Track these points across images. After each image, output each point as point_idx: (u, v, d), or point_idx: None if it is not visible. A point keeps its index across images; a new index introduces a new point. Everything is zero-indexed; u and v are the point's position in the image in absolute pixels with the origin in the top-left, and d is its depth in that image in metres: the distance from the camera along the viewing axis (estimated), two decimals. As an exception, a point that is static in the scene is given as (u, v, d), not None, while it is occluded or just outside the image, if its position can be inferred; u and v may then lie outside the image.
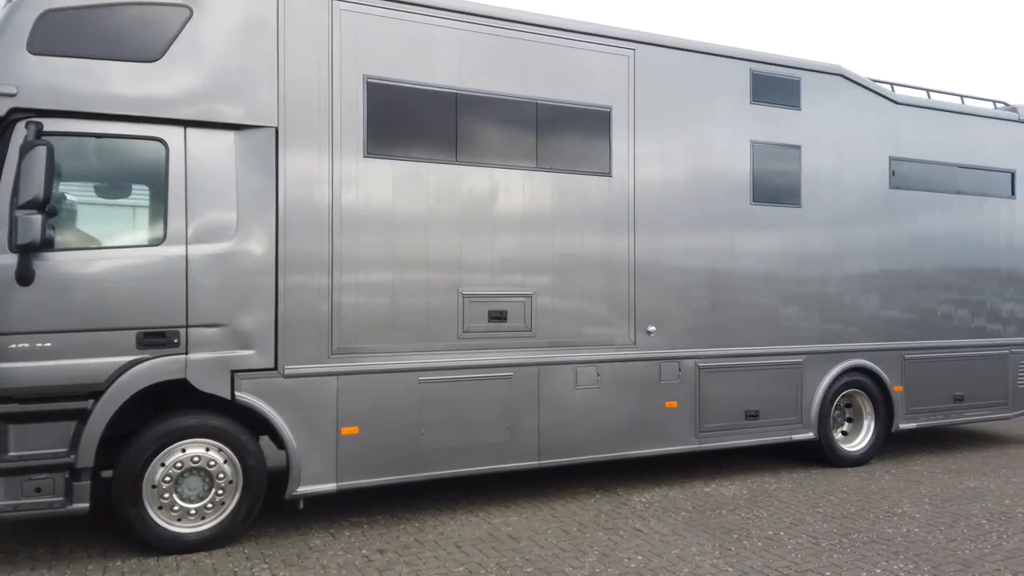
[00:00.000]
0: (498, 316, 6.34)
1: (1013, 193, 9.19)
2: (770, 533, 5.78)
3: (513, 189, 6.41)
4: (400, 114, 6.01)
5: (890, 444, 8.99)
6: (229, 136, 5.47)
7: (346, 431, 5.77)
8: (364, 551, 5.35)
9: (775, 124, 7.65)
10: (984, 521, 6.10)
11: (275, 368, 5.54)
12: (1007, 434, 10.06)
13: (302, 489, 5.63)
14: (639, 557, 5.24)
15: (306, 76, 5.68)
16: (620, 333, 6.84)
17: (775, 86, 7.66)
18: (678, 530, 5.82)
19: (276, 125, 5.58)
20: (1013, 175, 9.19)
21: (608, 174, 6.80)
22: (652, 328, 6.97)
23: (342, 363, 5.75)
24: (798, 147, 7.76)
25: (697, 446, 7.21)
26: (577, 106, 6.68)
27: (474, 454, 6.22)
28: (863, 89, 8.18)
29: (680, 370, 7.12)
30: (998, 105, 9.38)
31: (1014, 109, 9.33)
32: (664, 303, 7.05)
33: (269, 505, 5.73)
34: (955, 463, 8.24)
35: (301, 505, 5.72)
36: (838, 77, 8.03)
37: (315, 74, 5.71)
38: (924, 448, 9.02)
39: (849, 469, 7.89)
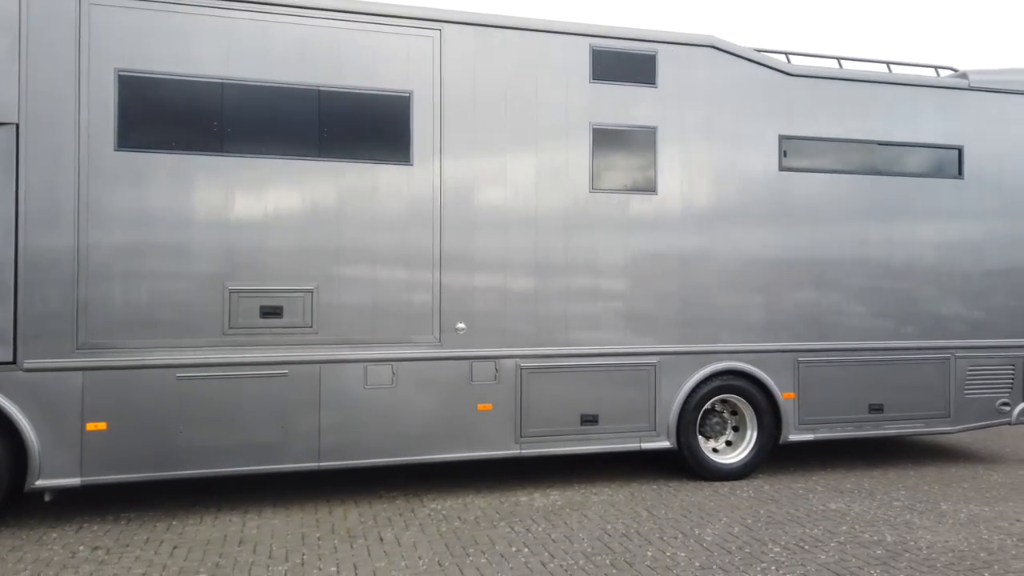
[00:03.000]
0: (272, 312, 6.14)
1: (960, 172, 7.97)
2: (513, 550, 5.26)
3: (292, 180, 6.19)
4: (157, 106, 5.93)
5: (805, 456, 8.06)
6: (-34, 134, 5.59)
7: (92, 426, 5.76)
8: (81, 547, 5.32)
9: (623, 104, 7.00)
10: (780, 548, 5.28)
11: (13, 362, 5.61)
12: (961, 450, 8.75)
13: (41, 482, 5.67)
14: (333, 569, 4.91)
15: (51, 71, 5.71)
16: (422, 330, 6.46)
17: (622, 62, 7.00)
18: (430, 542, 5.42)
19: (16, 121, 5.65)
20: (960, 152, 7.96)
21: (408, 163, 6.44)
22: (461, 326, 6.54)
23: (89, 358, 5.74)
24: (653, 128, 7.06)
25: (518, 452, 6.70)
26: (370, 92, 6.36)
27: (241, 454, 6.06)
28: (744, 61, 7.34)
29: (497, 370, 6.64)
30: (942, 72, 8.16)
31: (964, 76, 8.08)
32: (478, 299, 6.60)
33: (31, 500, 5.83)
34: (849, 481, 7.24)
35: (47, 498, 5.77)
36: (709, 49, 7.24)
37: (61, 69, 5.73)
38: (836, 463, 7.99)
39: (715, 484, 7.10)
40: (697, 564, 5.00)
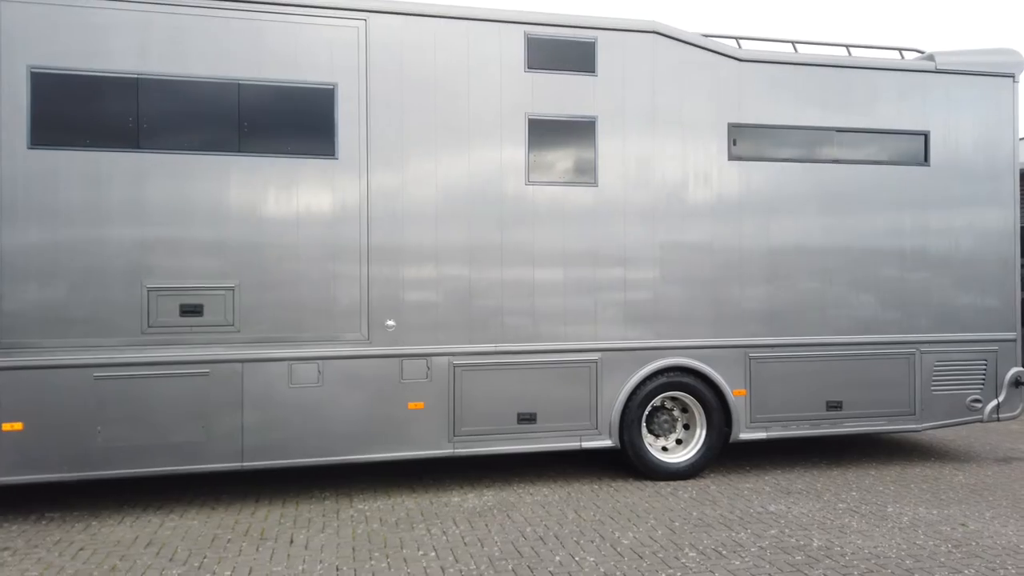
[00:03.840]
0: (192, 310, 6.06)
1: (927, 159, 7.63)
2: (420, 553, 5.12)
3: (210, 175, 6.08)
4: (71, 103, 5.86)
5: (766, 455, 7.80)
6: None
7: (8, 427, 5.73)
8: (-12, 548, 5.29)
9: (560, 94, 6.79)
10: (695, 553, 5.07)
11: (-73, 363, 5.60)
12: (936, 448, 8.42)
13: (-44, 482, 5.65)
14: (228, 573, 4.81)
15: (-38, 71, 5.67)
16: (350, 328, 6.33)
17: (559, 50, 6.79)
18: (340, 545, 5.30)
19: (-75, 121, 5.62)
20: (926, 137, 7.62)
21: (333, 156, 6.31)
22: (391, 323, 6.40)
23: (4, 358, 5.70)
24: (593, 119, 6.84)
25: (452, 451, 6.55)
26: (292, 85, 6.24)
27: (161, 455, 5.98)
28: (689, 47, 7.08)
29: (429, 368, 6.49)
30: (907, 54, 7.82)
31: (931, 58, 7.73)
32: (409, 296, 6.45)
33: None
34: (803, 482, 6.97)
35: (-35, 498, 5.77)
36: (652, 35, 7.00)
37: (-28, 68, 5.69)
38: (796, 462, 7.71)
39: (659, 484, 6.88)
40: (602, 570, 4.81)
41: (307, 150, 6.27)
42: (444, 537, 5.44)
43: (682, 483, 6.90)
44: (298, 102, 6.26)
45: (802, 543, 5.29)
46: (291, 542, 5.36)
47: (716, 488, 6.75)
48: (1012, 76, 7.81)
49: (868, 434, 7.81)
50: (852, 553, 5.08)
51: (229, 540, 5.41)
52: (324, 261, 6.29)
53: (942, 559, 4.99)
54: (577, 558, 5.01)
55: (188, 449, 6.03)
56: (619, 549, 5.17)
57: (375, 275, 6.38)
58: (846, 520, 5.81)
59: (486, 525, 5.71)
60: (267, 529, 5.65)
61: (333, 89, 6.31)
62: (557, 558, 5.01)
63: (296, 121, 6.26)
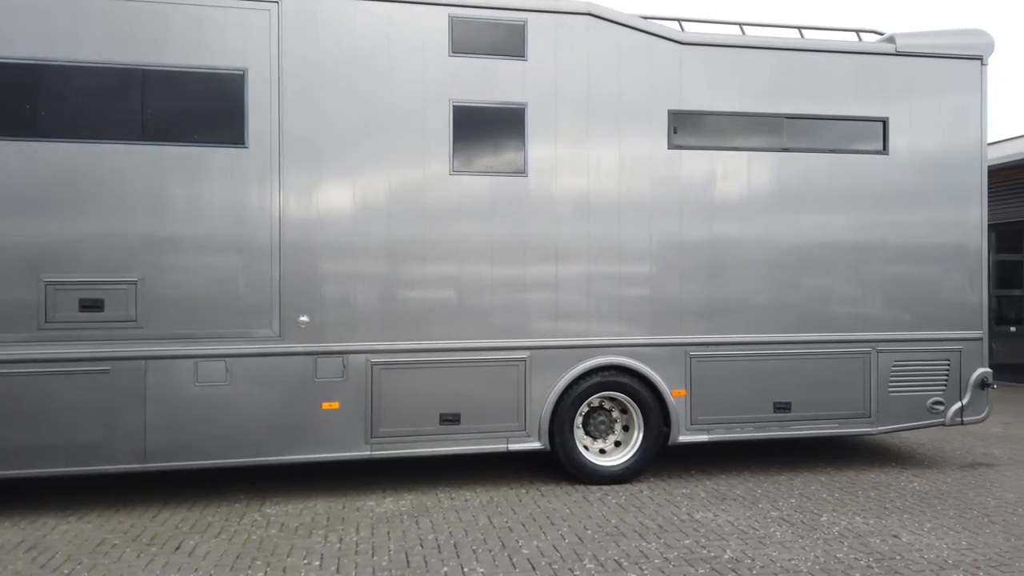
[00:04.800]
0: (92, 305, 5.83)
1: (885, 148, 7.21)
2: (305, 562, 4.85)
3: (112, 165, 5.85)
4: (-35, 91, 5.66)
5: (705, 459, 7.45)
6: None
7: (-103, 424, 5.55)
8: None
9: (487, 79, 6.48)
10: (594, 565, 4.74)
11: None
12: (904, 452, 8.01)
13: None
14: (94, 581, 4.59)
15: None
16: (261, 324, 6.08)
17: (487, 33, 6.48)
18: (226, 552, 5.05)
19: None
20: (885, 124, 7.21)
21: (243, 144, 6.05)
22: (304, 319, 6.14)
23: None
24: (522, 105, 6.52)
25: (369, 454, 6.28)
26: (199, 70, 5.98)
27: (60, 454, 5.77)
28: (627, 29, 6.73)
29: (345, 366, 6.22)
30: (867, 36, 7.40)
31: (891, 40, 7.31)
32: (324, 290, 6.19)
33: None
34: (743, 487, 6.61)
35: None
36: (586, 17, 6.66)
37: None
38: (744, 466, 7.35)
39: (592, 488, 6.56)
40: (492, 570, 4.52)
41: (215, 138, 6.02)
42: (338, 545, 5.17)
43: (615, 488, 6.58)
44: (206, 88, 6.01)
45: (713, 554, 4.95)
46: (177, 548, 5.12)
47: (648, 493, 6.42)
48: (980, 58, 7.37)
49: (820, 437, 7.40)
50: (762, 567, 4.74)
51: (115, 545, 5.18)
52: (233, 254, 6.03)
53: (858, 573, 4.63)
54: (466, 569, 4.72)
55: (88, 449, 5.81)
56: (515, 559, 4.87)
57: (288, 268, 6.11)
58: (771, 530, 5.46)
59: (388, 532, 5.43)
60: (160, 534, 5.41)
61: (243, 75, 6.05)
62: (445, 569, 4.72)
63: (204, 108, 6.01)
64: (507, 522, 5.63)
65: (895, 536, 5.33)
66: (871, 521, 5.67)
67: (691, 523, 5.61)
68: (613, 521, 5.65)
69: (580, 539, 5.25)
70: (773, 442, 8.07)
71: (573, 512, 5.87)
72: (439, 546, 5.13)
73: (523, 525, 5.56)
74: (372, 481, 6.75)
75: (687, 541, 5.21)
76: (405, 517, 5.77)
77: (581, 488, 6.56)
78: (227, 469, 6.31)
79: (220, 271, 6.01)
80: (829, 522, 5.65)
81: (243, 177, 6.05)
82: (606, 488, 6.57)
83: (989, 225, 7.60)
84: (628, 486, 6.64)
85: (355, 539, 5.28)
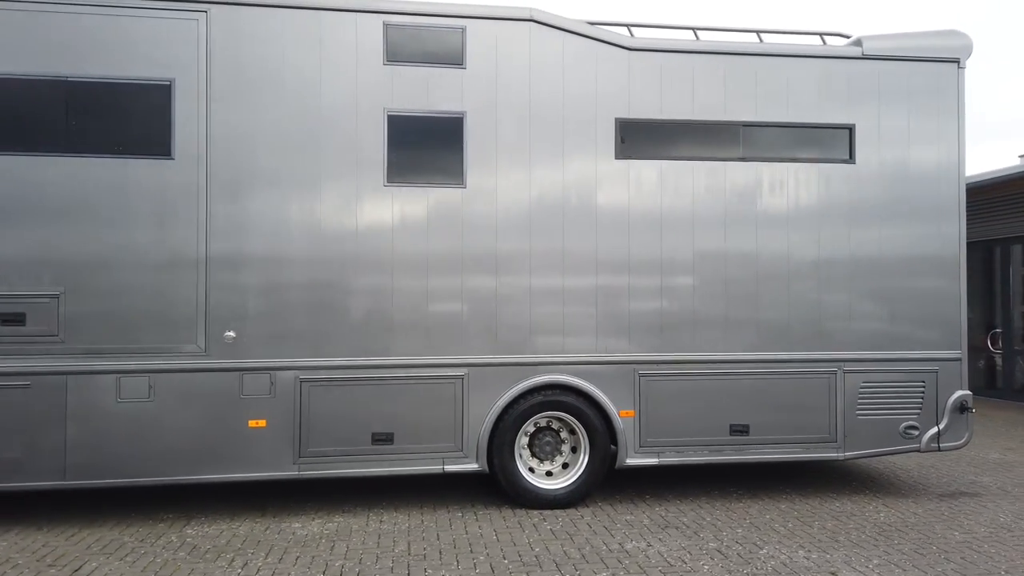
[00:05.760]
0: (13, 319, 5.75)
1: (852, 156, 6.84)
2: (196, 590, 4.67)
3: (35, 177, 5.78)
4: None
5: (669, 482, 7.10)
6: None
7: None
8: None
9: (424, 88, 6.28)
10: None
11: None
12: (884, 478, 7.55)
13: None
14: (-26, 605, 4.45)
15: None
16: (186, 339, 5.94)
17: (423, 41, 6.29)
18: (124, 575, 4.88)
19: None
20: (851, 131, 6.84)
21: (169, 156, 5.94)
22: (231, 334, 5.98)
23: None
24: (461, 115, 6.31)
25: (296, 474, 6.08)
26: (126, 82, 5.90)
27: (-23, 470, 5.69)
28: (572, 35, 6.49)
29: (273, 383, 6.05)
30: (833, 39, 7.04)
31: (857, 43, 6.95)
32: (251, 305, 6.03)
33: None
34: (692, 514, 6.26)
35: None
36: (528, 23, 6.43)
37: None
38: (703, 491, 6.99)
39: (532, 512, 6.27)
40: (373, 616, 4.27)
41: (141, 150, 5.92)
42: (240, 571, 4.97)
43: (556, 513, 6.28)
44: (132, 99, 5.92)
45: (625, 591, 4.64)
46: (76, 571, 4.97)
47: (589, 519, 6.11)
48: (957, 61, 6.96)
49: (792, 462, 7.00)
50: (671, 606, 4.42)
51: (16, 566, 5.06)
52: (159, 267, 5.91)
53: (773, 617, 4.28)
54: (358, 600, 4.48)
55: (7, 466, 5.72)
56: (413, 591, 4.62)
57: (214, 282, 5.97)
58: (701, 563, 5.12)
59: (298, 557, 5.22)
60: (68, 554, 5.28)
61: (170, 85, 5.94)
62: (335, 600, 4.49)
63: (130, 119, 5.92)
64: (425, 549, 5.38)
65: (832, 573, 4.95)
66: (814, 555, 5.29)
67: (618, 553, 5.29)
68: (536, 550, 5.36)
69: (492, 569, 4.97)
70: (746, 467, 7.71)
71: (499, 539, 5.60)
72: (342, 574, 4.90)
73: (440, 553, 5.30)
74: (308, 501, 6.56)
75: (605, 574, 4.90)
76: (323, 541, 5.56)
77: (521, 512, 6.29)
78: (163, 487, 6.18)
79: (145, 285, 5.89)
80: (768, 555, 5.28)
81: (169, 189, 5.93)
82: (546, 513, 6.27)
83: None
84: (571, 511, 6.34)
85: (259, 564, 5.07)
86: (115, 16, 5.90)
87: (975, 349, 12.31)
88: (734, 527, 5.95)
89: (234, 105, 6.02)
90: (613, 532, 5.79)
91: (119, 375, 5.85)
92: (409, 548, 5.40)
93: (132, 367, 5.86)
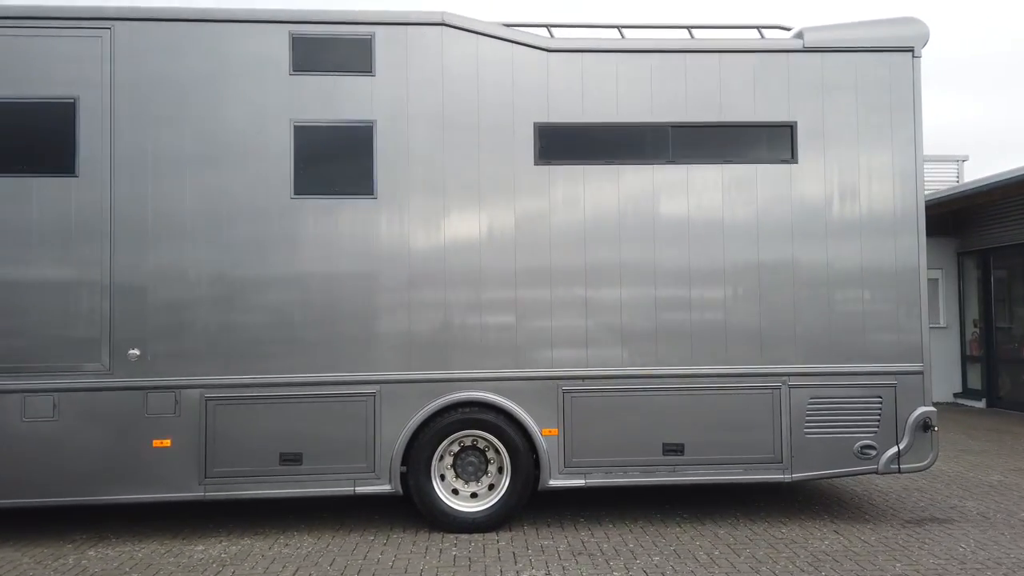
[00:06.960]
0: (-81, 339, 5.79)
1: (793, 156, 6.40)
2: (52, 616, 4.55)
3: (-58, 199, 5.82)
4: None
5: (610, 503, 6.73)
6: None
7: None
8: None
9: (331, 97, 6.13)
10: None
11: None
12: (847, 501, 7.00)
13: None
14: None
15: None
16: (90, 357, 5.88)
17: (330, 50, 6.15)
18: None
19: None
20: (792, 129, 6.41)
21: (73, 173, 5.92)
22: (135, 352, 5.90)
23: None
24: (370, 123, 6.13)
25: (201, 495, 5.94)
26: (26, 101, 5.91)
27: None
28: (485, 39, 6.25)
29: (178, 402, 5.94)
30: (772, 32, 6.62)
31: (799, 35, 6.52)
32: (156, 322, 5.94)
33: None
34: (616, 539, 5.88)
35: None
36: (440, 27, 6.22)
37: None
38: (639, 512, 6.58)
39: (450, 536, 5.99)
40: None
41: (45, 168, 5.91)
42: (109, 595, 4.84)
43: (470, 537, 5.98)
44: (34, 118, 5.93)
45: (487, 625, 4.32)
46: (-49, 593, 4.92)
47: (502, 544, 5.80)
48: (911, 50, 6.47)
49: (726, 484, 6.55)
50: (526, 642, 4.08)
51: None
52: (63, 285, 5.88)
53: (631, 657, 3.91)
54: (203, 630, 4.28)
55: (-88, 485, 5.74)
56: (266, 621, 4.40)
57: (118, 299, 5.90)
58: (590, 595, 4.76)
59: (176, 581, 5.06)
60: (-44, 576, 5.24)
61: (74, 103, 5.93)
62: (181, 629, 4.30)
63: (32, 138, 5.92)
64: (316, 575, 5.15)
65: (726, 608, 4.53)
66: (721, 587, 4.88)
67: (508, 582, 4.98)
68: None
69: (362, 598, 4.72)
70: (712, 488, 7.27)
71: (393, 568, 5.33)
72: (206, 601, 4.72)
73: (321, 579, 5.07)
74: (223, 522, 6.42)
75: (477, 605, 4.59)
76: (214, 566, 5.39)
77: (436, 537, 6.01)
78: (82, 506, 6.13)
79: (49, 302, 5.86)
80: (667, 587, 4.89)
81: (73, 206, 5.90)
82: (462, 538, 5.98)
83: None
84: (490, 536, 6.03)
85: (131, 589, 4.93)
86: (18, 37, 5.92)
87: (1005, 361, 11.49)
88: (652, 554, 5.55)
89: (139, 122, 5.97)
90: (519, 559, 5.47)
91: (24, 394, 5.82)
92: (297, 574, 5.19)
93: (37, 386, 5.83)
